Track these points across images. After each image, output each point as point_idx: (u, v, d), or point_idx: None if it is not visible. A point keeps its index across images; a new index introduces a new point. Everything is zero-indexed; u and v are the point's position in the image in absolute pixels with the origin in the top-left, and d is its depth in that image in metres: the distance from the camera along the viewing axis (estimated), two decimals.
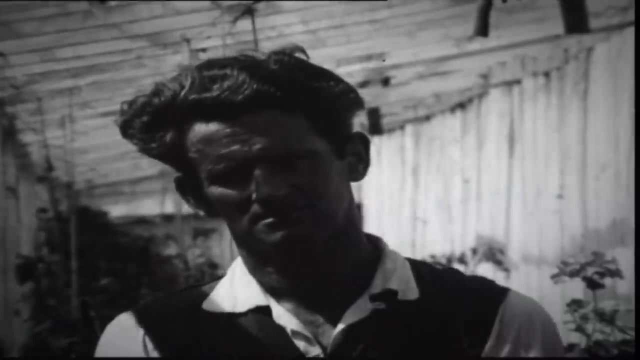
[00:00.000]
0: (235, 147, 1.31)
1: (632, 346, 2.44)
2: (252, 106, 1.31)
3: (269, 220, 1.31)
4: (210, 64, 1.33)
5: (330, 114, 1.35)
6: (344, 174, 1.37)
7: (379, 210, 8.77)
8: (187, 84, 1.32)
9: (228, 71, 1.31)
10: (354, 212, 1.41)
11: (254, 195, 1.31)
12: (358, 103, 1.38)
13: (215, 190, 1.34)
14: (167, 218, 9.01)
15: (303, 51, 1.38)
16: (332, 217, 1.34)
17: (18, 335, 6.20)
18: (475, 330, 1.38)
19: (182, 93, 1.32)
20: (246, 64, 1.32)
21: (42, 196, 7.54)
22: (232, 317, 1.38)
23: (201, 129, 1.32)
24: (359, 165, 1.40)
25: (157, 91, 1.34)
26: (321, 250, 1.35)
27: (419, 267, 1.44)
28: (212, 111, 1.31)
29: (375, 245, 1.44)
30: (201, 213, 1.41)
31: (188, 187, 1.39)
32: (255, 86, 1.30)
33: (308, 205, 1.32)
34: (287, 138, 1.32)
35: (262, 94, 1.30)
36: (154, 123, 1.35)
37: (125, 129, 1.36)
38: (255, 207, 1.32)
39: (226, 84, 1.30)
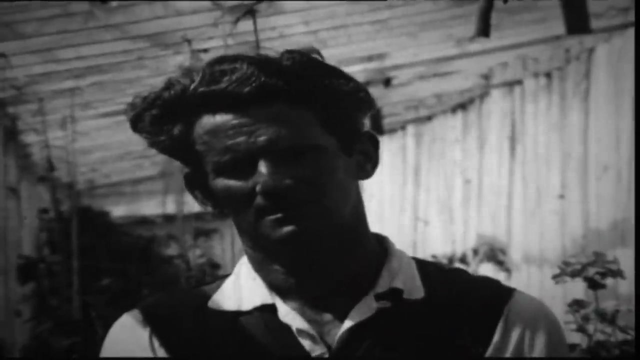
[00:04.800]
0: (241, 139, 1.32)
1: (634, 346, 2.44)
2: (259, 99, 1.32)
3: (275, 216, 1.32)
4: (221, 59, 1.34)
5: (339, 111, 1.36)
6: (351, 172, 1.38)
7: (380, 211, 8.76)
8: (198, 78, 1.33)
9: (237, 65, 1.32)
10: (362, 211, 1.42)
11: (257, 187, 1.31)
12: (368, 102, 1.39)
13: (220, 182, 1.34)
14: (169, 218, 9.00)
15: (318, 53, 1.39)
16: (337, 213, 1.35)
17: (19, 335, 6.20)
18: (480, 330, 1.38)
19: (192, 86, 1.33)
20: (257, 59, 1.33)
21: (43, 196, 7.54)
22: (237, 315, 1.39)
23: (208, 121, 1.34)
24: (367, 163, 1.41)
25: (168, 85, 1.35)
26: (327, 247, 1.36)
27: (424, 266, 1.45)
28: (219, 103, 1.32)
29: (381, 244, 1.45)
30: (208, 209, 1.41)
31: (196, 181, 1.39)
32: (262, 79, 1.31)
33: (313, 200, 1.32)
34: (293, 132, 1.32)
35: (269, 87, 1.32)
36: (163, 116, 1.36)
37: (136, 123, 1.37)
38: (258, 199, 1.32)
39: (235, 76, 1.31)
